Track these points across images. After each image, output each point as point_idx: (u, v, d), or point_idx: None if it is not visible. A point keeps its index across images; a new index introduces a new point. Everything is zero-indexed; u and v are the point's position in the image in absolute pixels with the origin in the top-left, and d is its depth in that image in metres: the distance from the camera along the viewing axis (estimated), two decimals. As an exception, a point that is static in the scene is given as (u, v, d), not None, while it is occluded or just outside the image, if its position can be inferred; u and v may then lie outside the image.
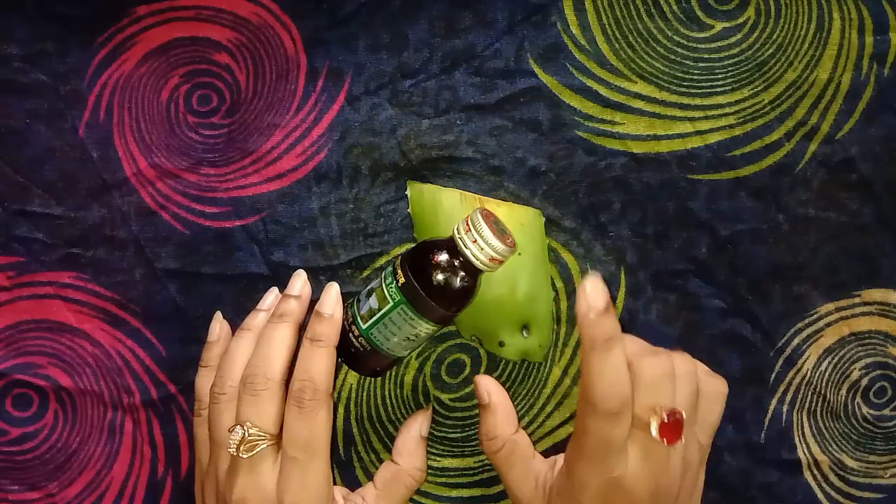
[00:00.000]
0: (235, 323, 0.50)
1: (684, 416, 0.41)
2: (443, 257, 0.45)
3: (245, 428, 0.43)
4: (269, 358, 0.44)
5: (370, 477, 0.50)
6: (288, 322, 0.46)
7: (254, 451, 0.43)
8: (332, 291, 0.46)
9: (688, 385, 0.42)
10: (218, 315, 0.50)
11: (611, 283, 0.52)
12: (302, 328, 0.46)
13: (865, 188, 0.51)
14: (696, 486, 0.45)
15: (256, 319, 0.48)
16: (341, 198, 0.51)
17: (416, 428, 0.49)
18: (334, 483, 0.48)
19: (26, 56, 0.50)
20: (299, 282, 0.47)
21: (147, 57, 0.50)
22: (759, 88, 0.51)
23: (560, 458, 0.46)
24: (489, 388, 0.48)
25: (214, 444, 0.45)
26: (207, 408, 0.47)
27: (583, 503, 0.42)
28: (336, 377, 0.52)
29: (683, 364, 0.43)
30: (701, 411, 0.44)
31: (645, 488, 0.41)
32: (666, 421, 0.40)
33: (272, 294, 0.49)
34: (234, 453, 0.43)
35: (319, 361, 0.44)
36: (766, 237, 0.52)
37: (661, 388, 0.41)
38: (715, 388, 0.45)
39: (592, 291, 0.40)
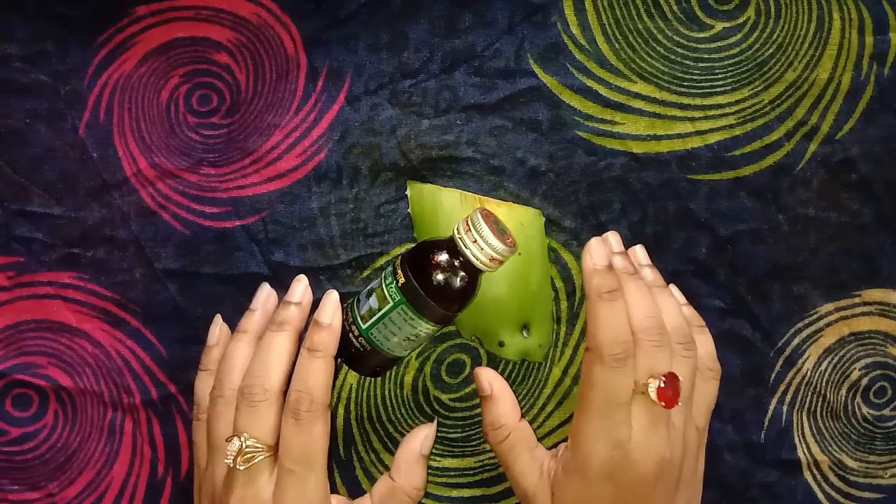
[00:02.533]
0: (235, 323, 0.50)
1: (681, 380, 0.43)
2: (443, 257, 0.46)
3: (242, 439, 0.43)
4: (268, 368, 0.44)
5: (370, 477, 0.50)
6: (287, 331, 0.45)
7: (251, 464, 0.43)
8: (332, 299, 0.46)
9: (686, 367, 0.44)
10: (217, 318, 0.50)
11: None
12: (303, 333, 0.46)
13: (865, 188, 0.51)
14: (696, 473, 0.46)
15: (252, 321, 0.48)
16: (341, 198, 0.51)
17: (417, 444, 0.48)
18: (333, 483, 0.48)
19: (26, 56, 0.50)
20: (300, 287, 0.47)
21: (147, 57, 0.50)
22: (759, 88, 0.51)
23: (563, 447, 0.46)
24: (490, 378, 0.48)
25: (212, 448, 0.45)
26: (205, 413, 0.47)
27: (589, 476, 0.43)
28: (336, 378, 0.52)
29: (685, 344, 0.45)
30: (696, 391, 0.46)
31: (650, 460, 0.42)
32: (663, 384, 0.42)
33: (264, 291, 0.49)
34: (231, 465, 0.43)
35: (317, 373, 0.44)
36: (766, 237, 0.52)
37: (659, 354, 0.43)
38: (711, 371, 0.47)
39: (597, 250, 0.45)
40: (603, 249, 0.45)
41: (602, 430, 0.43)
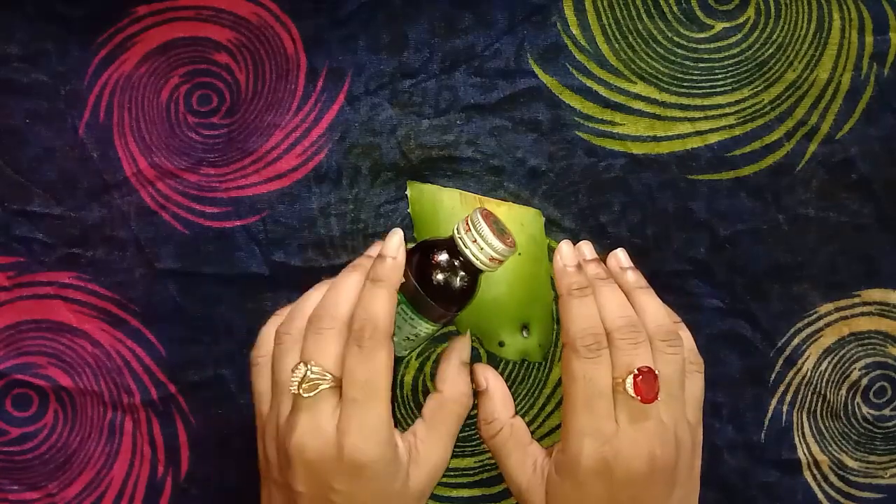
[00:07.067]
0: (235, 322, 0.50)
1: (658, 373, 0.43)
2: (443, 257, 0.46)
3: (308, 366, 0.42)
4: (338, 299, 0.44)
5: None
6: (359, 272, 0.45)
7: (315, 391, 0.42)
8: (397, 237, 0.46)
9: (673, 364, 0.45)
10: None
11: (611, 283, 0.52)
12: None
13: (865, 188, 0.51)
14: (692, 470, 0.46)
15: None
16: (341, 198, 0.51)
17: (455, 355, 0.49)
18: None
19: (26, 56, 0.50)
20: (396, 240, 0.46)
21: (147, 57, 0.50)
22: (759, 88, 0.51)
23: (556, 446, 0.47)
24: (486, 374, 0.49)
25: (276, 386, 0.45)
26: (265, 355, 0.46)
27: (580, 474, 0.43)
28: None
29: (670, 341, 0.46)
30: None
31: (640, 455, 0.43)
32: (640, 378, 0.43)
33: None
34: (296, 391, 0.42)
35: (381, 302, 0.43)
36: (765, 237, 0.52)
37: (636, 351, 0.44)
38: (694, 365, 0.48)
39: (566, 252, 0.47)
40: (572, 251, 0.47)
41: (588, 424, 0.43)
